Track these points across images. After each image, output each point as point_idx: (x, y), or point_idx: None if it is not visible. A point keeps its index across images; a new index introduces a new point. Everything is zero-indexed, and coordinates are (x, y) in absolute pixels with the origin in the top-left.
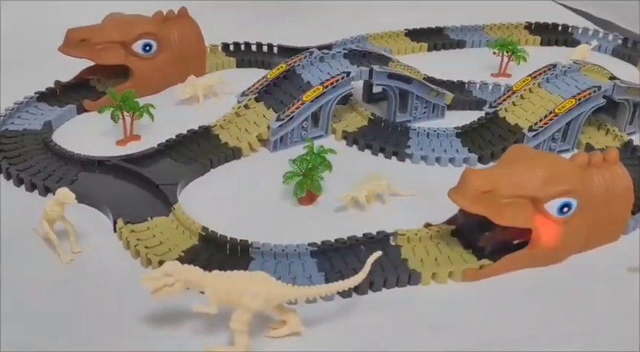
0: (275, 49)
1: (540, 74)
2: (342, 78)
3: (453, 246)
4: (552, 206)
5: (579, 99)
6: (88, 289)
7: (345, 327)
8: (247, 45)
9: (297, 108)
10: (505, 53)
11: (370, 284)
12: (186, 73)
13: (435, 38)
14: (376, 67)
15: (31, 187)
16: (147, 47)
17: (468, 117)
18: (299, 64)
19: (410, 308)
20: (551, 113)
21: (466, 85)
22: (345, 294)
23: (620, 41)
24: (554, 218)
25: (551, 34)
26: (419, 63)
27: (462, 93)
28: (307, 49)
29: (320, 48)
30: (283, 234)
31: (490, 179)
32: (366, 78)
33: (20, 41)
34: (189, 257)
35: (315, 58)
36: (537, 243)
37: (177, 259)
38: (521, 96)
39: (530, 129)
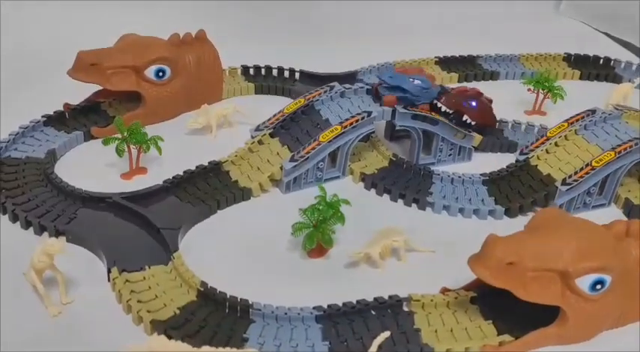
0: (297, 75)
1: (578, 120)
2: (363, 118)
3: (472, 316)
4: (584, 282)
5: (619, 152)
6: (74, 346)
7: None
8: (268, 69)
9: (312, 148)
10: (541, 90)
11: None
12: (202, 99)
13: (466, 67)
14: (399, 108)
15: (26, 224)
16: (160, 73)
17: (497, 160)
18: (318, 99)
19: None
20: (587, 166)
21: (497, 124)
22: None
23: None
24: (586, 295)
25: (592, 68)
26: None
27: (491, 134)
28: (331, 76)
29: (344, 75)
30: (288, 290)
31: (515, 249)
32: (388, 118)
33: (30, 58)
34: (185, 315)
35: (336, 93)
36: (565, 322)
37: (171, 317)
38: (556, 144)
39: (564, 183)
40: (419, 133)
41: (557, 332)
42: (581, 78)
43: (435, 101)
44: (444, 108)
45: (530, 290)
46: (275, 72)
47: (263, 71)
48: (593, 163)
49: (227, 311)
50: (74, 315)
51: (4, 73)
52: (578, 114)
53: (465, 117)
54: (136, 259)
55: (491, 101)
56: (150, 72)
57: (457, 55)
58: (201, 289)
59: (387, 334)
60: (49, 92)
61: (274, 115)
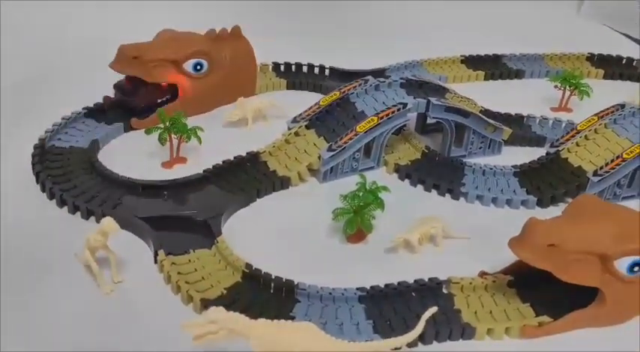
0: (327, 72)
1: (607, 114)
2: (398, 109)
3: (510, 299)
4: (622, 264)
5: None
6: (126, 324)
7: None
8: (298, 66)
9: (349, 139)
10: (567, 87)
11: (421, 337)
12: (236, 94)
13: (492, 66)
14: (434, 100)
15: (74, 209)
16: (198, 66)
17: (526, 154)
18: (353, 92)
19: None
20: (618, 158)
21: (525, 119)
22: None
23: None
24: (624, 277)
25: (615, 68)
26: (475, 92)
27: (520, 128)
28: (360, 72)
29: (373, 72)
30: (330, 273)
31: (556, 231)
32: (422, 110)
33: (70, 54)
34: (232, 295)
35: (371, 86)
36: (603, 303)
37: (219, 296)
38: (586, 137)
39: (595, 174)
40: (451, 125)
41: (594, 314)
42: (605, 77)
43: None
44: None
45: (570, 272)
46: (305, 68)
47: (293, 68)
48: (624, 155)
49: (272, 291)
50: (126, 294)
51: (47, 66)
52: (607, 109)
53: None
54: (181, 244)
55: None
56: (188, 65)
57: (482, 54)
58: (247, 270)
59: (434, 309)
60: (89, 86)
61: (310, 108)
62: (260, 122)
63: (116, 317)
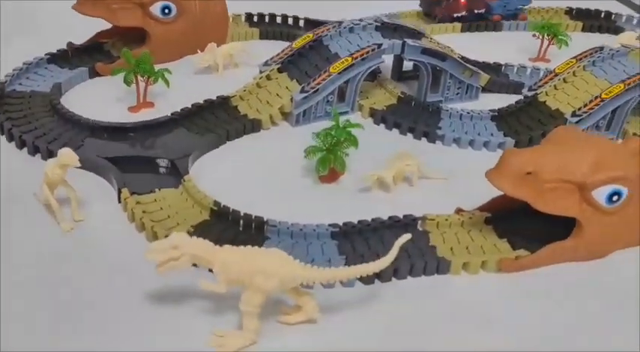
0: (301, 22)
1: (586, 57)
2: (373, 50)
3: (487, 235)
4: (601, 194)
5: (628, 84)
6: (88, 261)
7: (365, 316)
8: (272, 17)
9: (323, 80)
10: (546, 36)
11: (394, 271)
12: (206, 42)
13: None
14: (409, 41)
15: (34, 150)
16: (166, 10)
17: (504, 100)
18: (327, 34)
19: (437, 298)
20: (596, 98)
21: (503, 68)
22: (367, 280)
23: None
24: (602, 207)
25: (594, 20)
26: (452, 43)
27: (497, 76)
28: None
29: None
30: (302, 213)
31: (533, 160)
32: (398, 52)
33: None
34: (199, 232)
35: (345, 28)
36: (582, 235)
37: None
38: (564, 80)
39: (574, 115)
40: (428, 69)
41: (573, 246)
42: (583, 30)
43: None
44: None
45: (547, 201)
46: (279, 19)
47: (267, 19)
48: (603, 95)
49: (241, 228)
50: (87, 231)
51: (8, 13)
52: (585, 52)
53: None
54: (146, 184)
55: None
56: (155, 8)
57: None
58: (215, 208)
59: (408, 236)
60: (52, 32)
61: (282, 51)
62: (231, 68)
63: (77, 253)
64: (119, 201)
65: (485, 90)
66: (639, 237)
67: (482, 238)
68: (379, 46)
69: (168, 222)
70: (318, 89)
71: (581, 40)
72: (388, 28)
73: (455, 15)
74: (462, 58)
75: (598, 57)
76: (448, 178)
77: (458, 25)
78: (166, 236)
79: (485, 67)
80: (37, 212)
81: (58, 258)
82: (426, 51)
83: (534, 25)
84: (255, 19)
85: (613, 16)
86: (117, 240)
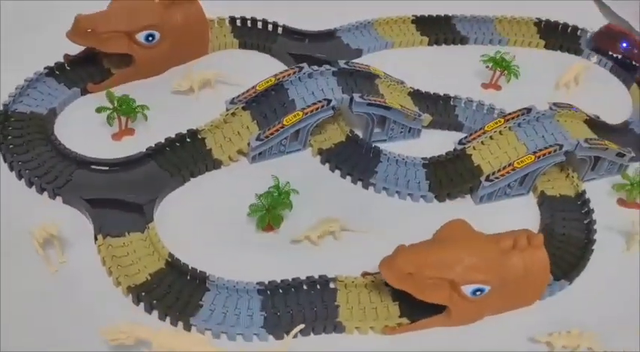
0: (279, 30)
1: (514, 117)
2: (323, 106)
3: (383, 297)
4: (467, 289)
5: (538, 156)
6: (65, 303)
7: None
8: (254, 22)
9: (276, 130)
10: (498, 69)
11: (301, 331)
12: (189, 53)
13: (440, 29)
14: (356, 97)
15: (30, 183)
16: (150, 38)
17: (443, 138)
18: (287, 80)
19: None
20: (509, 165)
21: (452, 100)
22: (278, 337)
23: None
24: (468, 298)
25: (558, 38)
26: (417, 59)
27: (445, 109)
28: (312, 34)
29: (322, 34)
30: (242, 262)
31: (417, 261)
32: (346, 105)
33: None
34: (155, 280)
35: (304, 74)
36: (450, 314)
37: (144, 282)
38: (491, 137)
39: (487, 179)
40: (373, 118)
41: (443, 321)
42: (546, 47)
43: None
44: None
45: (425, 293)
46: (260, 24)
47: (249, 23)
48: (515, 164)
49: (188, 278)
50: (68, 273)
51: (7, 20)
52: (515, 112)
53: None
54: (120, 225)
55: None
56: (140, 36)
57: (434, 15)
58: (169, 259)
59: (301, 326)
60: (51, 40)
61: (247, 91)
62: (207, 89)
63: (57, 296)
64: (95, 241)
65: (429, 127)
66: (497, 310)
67: (379, 300)
68: (328, 102)
69: (131, 268)
70: (272, 138)
71: (540, 62)
72: (344, 73)
73: None
74: (415, 91)
75: (524, 119)
76: (368, 231)
77: (425, 38)
78: (127, 288)
79: (435, 99)
80: (31, 250)
81: (42, 296)
82: (371, 104)
83: (488, 58)
84: (239, 22)
85: (579, 32)
86: (91, 283)
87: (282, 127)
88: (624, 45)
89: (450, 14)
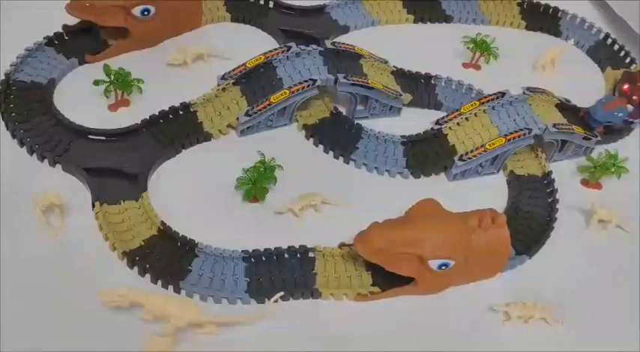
0: (271, 4)
1: (489, 101)
2: (309, 85)
3: (357, 266)
4: (433, 263)
5: (509, 139)
6: (64, 266)
7: (256, 331)
8: None
9: (264, 107)
10: (478, 51)
11: (282, 296)
12: (183, 26)
13: (426, 7)
14: (341, 77)
15: (31, 151)
16: (145, 12)
17: (423, 116)
18: (276, 58)
19: (309, 317)
20: (482, 147)
21: (432, 79)
22: (260, 301)
23: (601, 37)
24: (434, 271)
25: (539, 19)
26: (403, 36)
27: (425, 88)
28: (302, 9)
29: (313, 9)
30: (229, 230)
31: (388, 237)
32: (331, 85)
33: None
34: (148, 246)
35: (292, 53)
36: (418, 285)
37: (137, 247)
38: (466, 119)
39: (461, 159)
40: (356, 96)
41: (411, 290)
42: (527, 29)
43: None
44: None
45: (395, 266)
46: None
47: None
48: (487, 146)
49: (179, 245)
50: (68, 238)
51: None
52: (490, 95)
53: None
54: (116, 193)
55: None
56: (136, 11)
57: None
58: (161, 227)
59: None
60: (50, 11)
61: (238, 67)
62: (200, 63)
63: (56, 260)
64: (93, 208)
65: (409, 105)
66: (461, 282)
67: (354, 269)
68: (314, 82)
69: (126, 234)
70: (260, 113)
71: (520, 42)
72: (330, 53)
73: None
74: (398, 70)
75: (498, 102)
76: (348, 205)
77: (411, 17)
78: (123, 253)
79: (416, 77)
80: (30, 214)
81: (43, 260)
82: (355, 84)
83: (468, 40)
84: None
85: (559, 13)
86: (90, 247)
87: (269, 104)
88: None
89: None
